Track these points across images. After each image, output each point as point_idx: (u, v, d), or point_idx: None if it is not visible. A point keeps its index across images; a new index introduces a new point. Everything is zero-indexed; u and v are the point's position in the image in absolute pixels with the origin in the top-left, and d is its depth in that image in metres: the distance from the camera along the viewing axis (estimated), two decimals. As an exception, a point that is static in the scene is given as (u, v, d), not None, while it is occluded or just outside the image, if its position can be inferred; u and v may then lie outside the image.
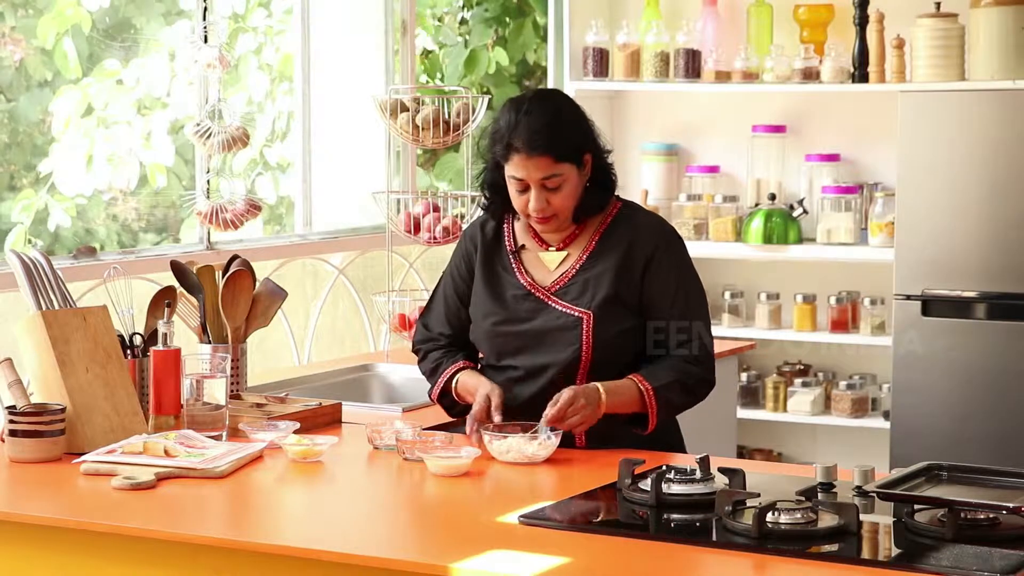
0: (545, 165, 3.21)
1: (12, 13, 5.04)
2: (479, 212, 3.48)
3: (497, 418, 3.23)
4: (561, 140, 3.23)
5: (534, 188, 3.23)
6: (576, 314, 3.27)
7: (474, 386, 3.33)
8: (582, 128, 3.29)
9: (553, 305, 3.30)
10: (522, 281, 3.34)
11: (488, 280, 3.37)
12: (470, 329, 3.40)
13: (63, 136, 5.19)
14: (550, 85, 6.12)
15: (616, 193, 3.40)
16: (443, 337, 3.46)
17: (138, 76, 5.30)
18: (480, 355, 3.42)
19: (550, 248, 3.35)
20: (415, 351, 3.53)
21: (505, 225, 3.41)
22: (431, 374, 3.45)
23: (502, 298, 3.34)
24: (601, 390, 3.21)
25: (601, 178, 3.32)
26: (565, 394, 3.18)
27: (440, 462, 3.07)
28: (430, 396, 3.46)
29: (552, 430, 3.17)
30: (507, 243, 3.39)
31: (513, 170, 3.23)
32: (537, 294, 3.32)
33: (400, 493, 3.06)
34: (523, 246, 3.38)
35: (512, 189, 3.27)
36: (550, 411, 3.16)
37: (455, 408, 3.44)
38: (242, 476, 3.07)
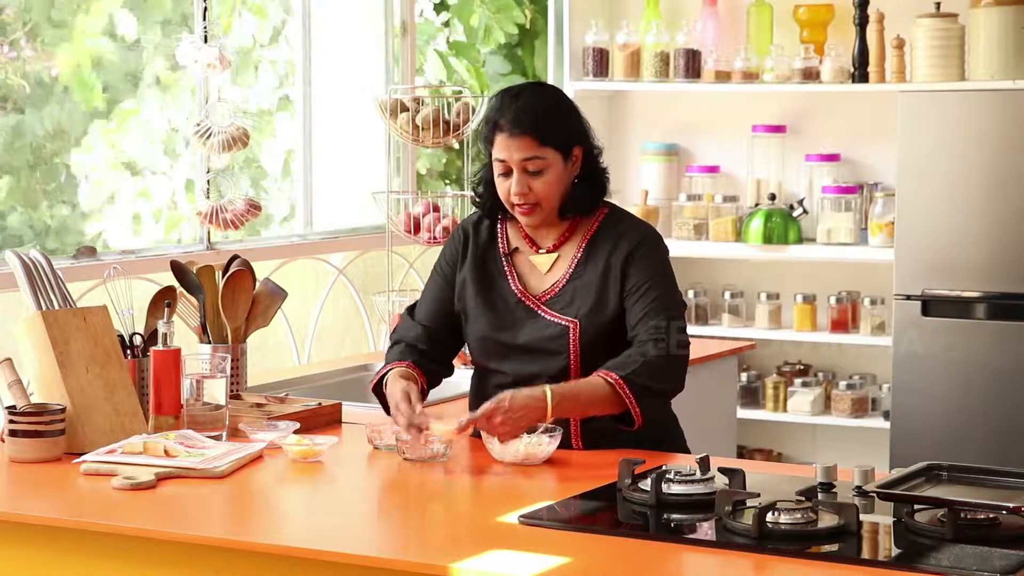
0: (527, 146, 3.20)
1: (47, 28, 5.03)
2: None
3: (419, 408, 3.16)
4: (546, 124, 3.22)
5: (516, 171, 3.22)
6: (563, 323, 3.26)
7: (390, 394, 3.25)
8: (571, 120, 3.28)
9: (542, 314, 3.29)
10: (514, 289, 3.33)
11: (480, 283, 3.36)
12: (463, 329, 3.40)
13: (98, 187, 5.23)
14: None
15: (611, 199, 3.39)
16: (420, 327, 3.40)
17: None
18: (470, 359, 3.42)
19: (540, 251, 3.34)
20: (391, 339, 3.49)
21: (499, 226, 3.40)
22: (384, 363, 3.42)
23: (494, 304, 3.33)
24: (548, 394, 3.11)
25: (592, 177, 3.31)
26: (488, 404, 3.09)
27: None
28: (368, 388, 3.44)
29: (551, 431, 3.17)
30: (500, 245, 3.38)
31: (497, 151, 3.23)
32: (528, 303, 3.31)
33: (400, 493, 3.06)
34: (516, 249, 3.37)
35: (496, 174, 3.26)
36: (474, 414, 3.10)
37: (385, 405, 3.38)
38: (242, 476, 3.07)
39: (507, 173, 3.24)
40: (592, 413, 3.19)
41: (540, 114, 3.22)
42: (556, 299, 3.30)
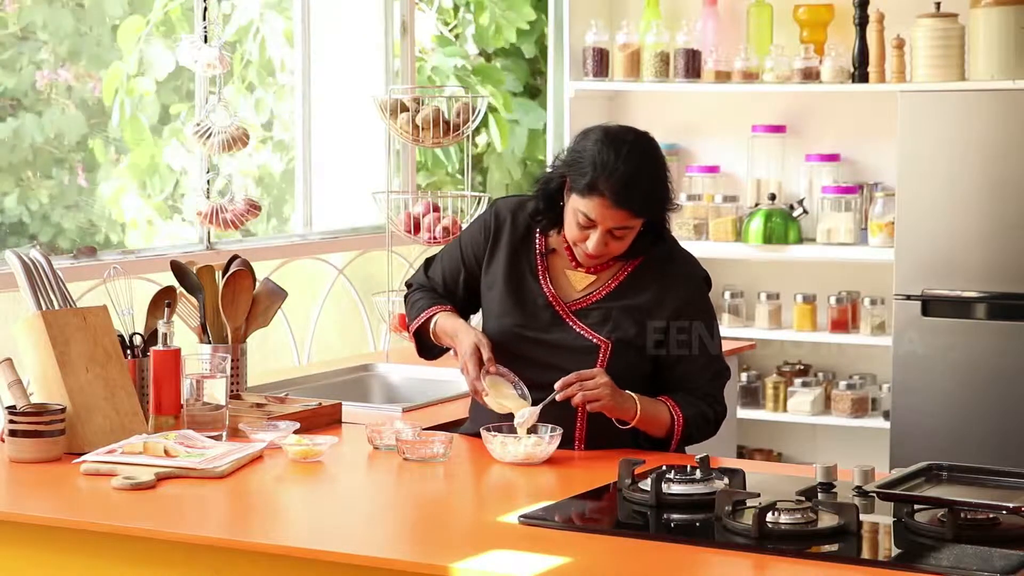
0: (622, 218, 3.15)
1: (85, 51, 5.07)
2: (485, 209, 3.46)
3: (492, 369, 3.22)
4: (646, 197, 3.16)
5: (600, 232, 3.16)
6: (595, 341, 3.25)
7: (453, 329, 3.32)
8: (666, 187, 3.21)
9: (571, 324, 3.27)
10: (545, 290, 3.31)
11: (510, 276, 3.33)
12: (482, 323, 3.39)
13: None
14: (550, 85, 6.12)
15: None
16: (437, 286, 3.45)
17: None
18: None
19: (579, 268, 3.31)
20: (407, 285, 3.55)
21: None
22: (411, 307, 3.45)
23: (522, 301, 3.31)
24: (637, 402, 3.20)
25: (657, 225, 3.26)
26: (593, 371, 3.17)
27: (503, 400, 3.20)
28: (408, 330, 3.48)
29: (552, 430, 3.17)
30: (537, 243, 3.35)
31: (587, 209, 3.15)
32: (557, 309, 3.29)
33: (400, 493, 3.06)
34: (553, 251, 3.34)
35: (574, 220, 3.19)
36: (568, 377, 3.16)
37: (427, 348, 3.45)
38: (242, 476, 3.07)
39: (589, 227, 3.18)
40: (646, 431, 3.26)
41: (645, 191, 3.15)
42: (587, 312, 3.28)
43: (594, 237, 3.18)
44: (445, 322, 3.35)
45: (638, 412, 3.20)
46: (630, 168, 3.13)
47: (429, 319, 3.38)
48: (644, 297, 3.27)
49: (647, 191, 3.16)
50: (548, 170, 3.29)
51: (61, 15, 5.02)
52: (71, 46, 5.09)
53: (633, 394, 3.20)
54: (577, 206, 3.17)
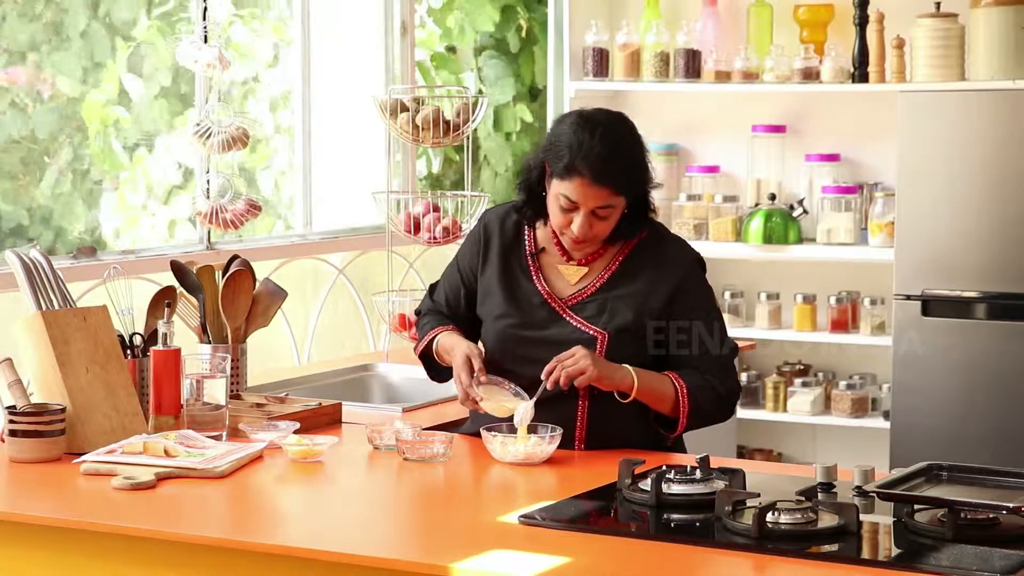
0: (604, 196, 3.17)
1: (41, 52, 5.04)
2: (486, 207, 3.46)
3: (483, 378, 3.23)
4: (625, 173, 3.19)
5: (583, 213, 3.18)
6: (591, 333, 3.25)
7: (451, 345, 3.34)
8: (643, 162, 3.25)
9: (568, 319, 3.28)
10: (539, 288, 3.32)
11: (504, 279, 3.34)
12: (482, 328, 3.40)
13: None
14: (550, 86, 6.12)
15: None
16: (442, 308, 3.48)
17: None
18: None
19: (571, 262, 3.33)
20: (416, 312, 3.58)
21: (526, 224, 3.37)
22: (419, 332, 3.48)
23: (517, 301, 3.32)
24: (633, 372, 3.19)
25: (642, 205, 3.28)
26: (572, 350, 3.16)
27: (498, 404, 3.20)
28: (415, 353, 3.50)
29: (552, 430, 3.17)
30: (527, 243, 3.36)
31: (568, 191, 3.17)
32: (553, 305, 3.30)
33: (400, 493, 3.06)
34: (543, 249, 3.35)
35: (557, 206, 3.21)
36: (549, 365, 3.16)
37: (434, 370, 3.47)
38: (242, 476, 3.07)
39: (572, 210, 3.20)
40: (652, 406, 3.24)
41: (622, 166, 3.18)
42: (583, 306, 3.28)
43: (578, 220, 3.19)
44: (445, 340, 3.38)
45: (635, 381, 3.19)
46: (607, 146, 3.17)
47: (431, 341, 3.41)
48: (638, 284, 3.28)
49: (625, 167, 3.19)
50: (528, 161, 3.32)
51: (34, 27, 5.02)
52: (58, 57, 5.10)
53: (627, 366, 3.20)
54: (558, 190, 3.19)
